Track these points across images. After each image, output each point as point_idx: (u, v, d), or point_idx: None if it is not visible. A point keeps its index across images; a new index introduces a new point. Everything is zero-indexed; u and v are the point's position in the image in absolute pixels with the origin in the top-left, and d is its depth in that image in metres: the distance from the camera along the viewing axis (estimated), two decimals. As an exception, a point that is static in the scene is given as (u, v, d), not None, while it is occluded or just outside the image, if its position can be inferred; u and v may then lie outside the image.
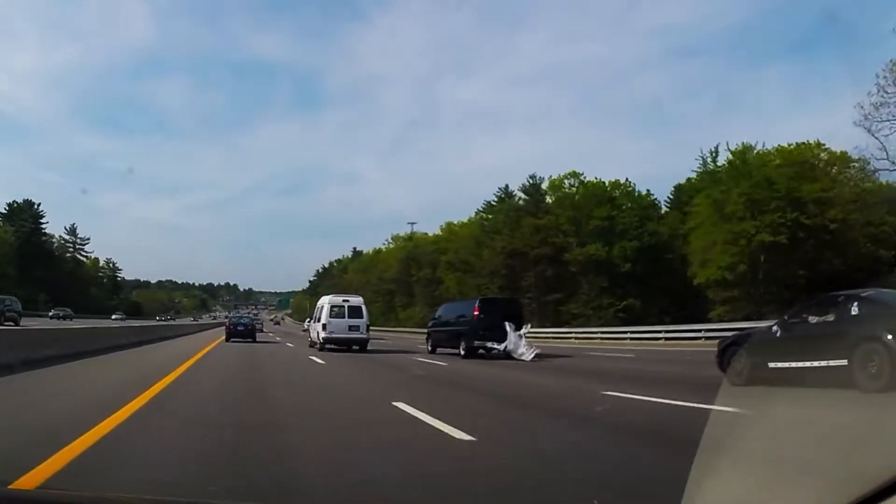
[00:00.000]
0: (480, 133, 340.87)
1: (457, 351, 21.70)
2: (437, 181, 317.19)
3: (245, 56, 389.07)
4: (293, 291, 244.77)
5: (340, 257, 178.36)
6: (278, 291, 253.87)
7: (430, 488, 4.42)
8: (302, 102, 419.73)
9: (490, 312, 21.35)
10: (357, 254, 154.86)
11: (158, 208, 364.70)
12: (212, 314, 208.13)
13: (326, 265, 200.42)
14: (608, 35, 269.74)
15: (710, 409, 6.74)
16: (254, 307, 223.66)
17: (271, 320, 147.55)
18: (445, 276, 79.00)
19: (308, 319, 43.23)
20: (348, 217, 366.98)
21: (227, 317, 57.97)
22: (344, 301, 25.40)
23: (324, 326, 23.94)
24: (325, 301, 25.58)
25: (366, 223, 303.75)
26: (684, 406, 8.30)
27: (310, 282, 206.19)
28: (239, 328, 33.24)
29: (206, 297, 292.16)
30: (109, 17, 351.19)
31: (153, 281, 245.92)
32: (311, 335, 27.86)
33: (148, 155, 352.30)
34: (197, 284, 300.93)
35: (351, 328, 24.04)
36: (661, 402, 8.79)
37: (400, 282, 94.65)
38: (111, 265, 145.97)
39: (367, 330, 24.87)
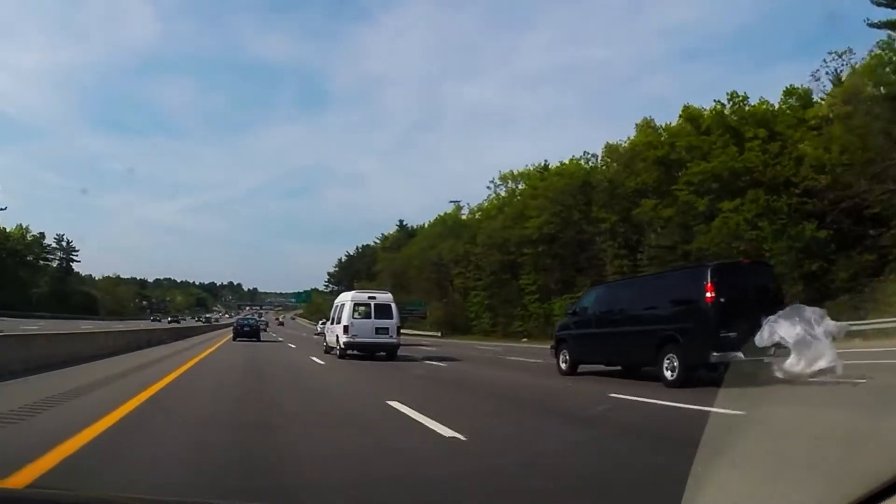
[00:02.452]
0: (485, 135, 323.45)
1: (635, 372, 13.07)
2: (442, 183, 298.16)
3: (249, 57, 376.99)
4: (297, 292, 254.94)
5: (373, 241, 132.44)
6: (283, 292, 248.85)
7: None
8: (306, 104, 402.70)
9: (734, 291, 11.09)
10: (402, 228, 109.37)
11: (160, 209, 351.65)
12: (211, 315, 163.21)
13: (352, 252, 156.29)
14: (612, 37, 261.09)
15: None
16: (259, 307, 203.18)
17: (276, 320, 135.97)
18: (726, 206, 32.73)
19: (322, 321, 40.07)
20: (353, 219, 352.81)
21: (206, 318, 73.97)
22: (370, 298, 20.23)
23: (345, 329, 19.07)
24: (347, 298, 20.49)
25: (371, 225, 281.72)
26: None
27: (329, 275, 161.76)
28: (245, 329, 37.28)
29: (206, 295, 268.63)
30: (113, 17, 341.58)
31: (150, 279, 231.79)
32: (327, 339, 22.48)
33: (151, 156, 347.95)
34: (197, 283, 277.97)
35: (378, 331, 19.11)
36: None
37: (557, 242, 48.16)
38: (64, 244, 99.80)
39: (398, 333, 19.73)
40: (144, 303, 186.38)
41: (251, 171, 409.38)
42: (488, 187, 64.13)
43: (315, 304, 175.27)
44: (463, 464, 4.86)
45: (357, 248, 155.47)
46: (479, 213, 64.39)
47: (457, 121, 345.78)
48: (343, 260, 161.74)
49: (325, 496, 4.04)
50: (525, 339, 50.00)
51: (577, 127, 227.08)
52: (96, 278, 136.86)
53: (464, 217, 69.25)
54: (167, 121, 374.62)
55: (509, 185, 61.75)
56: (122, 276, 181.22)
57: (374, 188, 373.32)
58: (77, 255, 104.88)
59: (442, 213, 70.13)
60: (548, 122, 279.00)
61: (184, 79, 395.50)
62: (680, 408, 8.08)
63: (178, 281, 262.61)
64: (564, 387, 11.66)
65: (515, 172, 60.45)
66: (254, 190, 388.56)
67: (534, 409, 8.92)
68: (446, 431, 5.94)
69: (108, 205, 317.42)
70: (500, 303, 55.81)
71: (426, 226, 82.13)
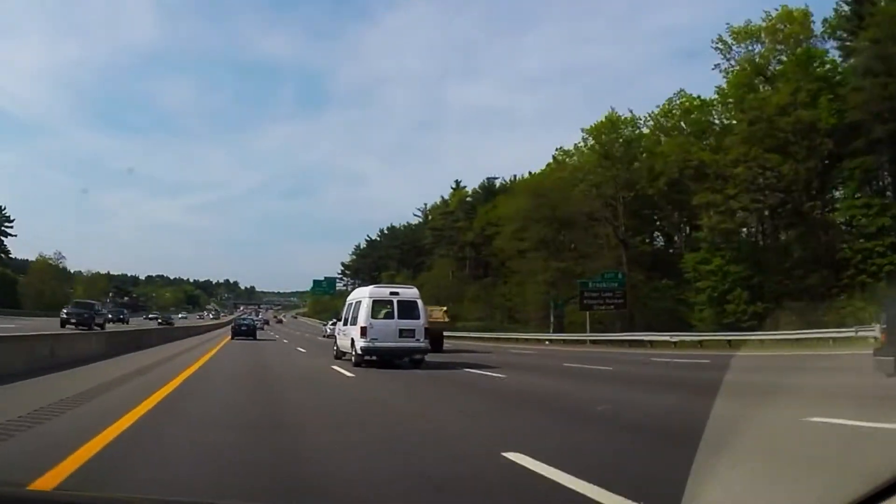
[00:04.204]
0: (486, 134, 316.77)
1: None
2: (442, 183, 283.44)
3: (251, 56, 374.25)
4: (296, 292, 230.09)
5: (414, 215, 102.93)
6: (282, 291, 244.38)
7: None
8: (307, 102, 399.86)
9: None
10: (457, 190, 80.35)
11: (160, 207, 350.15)
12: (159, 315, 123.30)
13: (376, 235, 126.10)
14: (614, 37, 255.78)
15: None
16: (256, 306, 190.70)
17: (275, 318, 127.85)
18: None
19: (332, 321, 34.57)
20: (353, 219, 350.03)
21: (119, 314, 52.56)
22: (392, 294, 16.47)
23: (362, 331, 15.55)
24: (364, 294, 16.81)
25: (371, 224, 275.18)
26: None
27: (344, 266, 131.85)
28: (243, 328, 37.23)
29: (200, 293, 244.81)
30: (115, 15, 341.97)
31: (142, 276, 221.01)
32: (339, 343, 18.71)
33: (152, 154, 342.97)
34: (191, 280, 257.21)
35: (403, 333, 15.74)
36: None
37: None
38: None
39: (426, 336, 16.05)
40: (126, 298, 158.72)
41: (251, 170, 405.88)
42: (716, 47, 34.12)
43: (322, 302, 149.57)
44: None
45: (381, 230, 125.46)
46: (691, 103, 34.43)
47: (458, 120, 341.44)
48: (362, 247, 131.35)
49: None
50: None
51: (578, 127, 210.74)
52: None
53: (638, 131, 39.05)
54: (169, 119, 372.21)
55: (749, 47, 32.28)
56: (112, 273, 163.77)
57: (374, 187, 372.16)
58: (11, 228, 74.86)
59: (597, 122, 39.69)
60: (549, 121, 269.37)
61: (186, 77, 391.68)
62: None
63: (172, 278, 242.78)
64: None
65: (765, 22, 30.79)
66: (254, 188, 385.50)
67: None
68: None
69: (107, 203, 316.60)
70: (770, 272, 26.36)
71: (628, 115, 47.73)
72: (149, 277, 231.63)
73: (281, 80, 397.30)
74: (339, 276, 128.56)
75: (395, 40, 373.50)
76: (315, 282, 76.90)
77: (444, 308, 27.02)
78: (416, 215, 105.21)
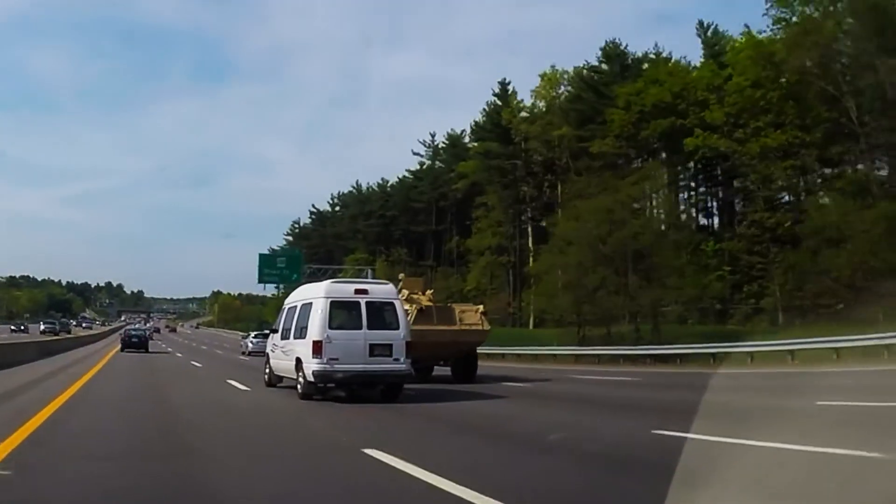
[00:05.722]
0: (417, 111, 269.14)
1: None
2: (364, 168, 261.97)
3: (136, 19, 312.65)
4: (192, 298, 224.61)
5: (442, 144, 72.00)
6: (176, 298, 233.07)
7: None
8: (205, 76, 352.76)
9: None
10: (546, 77, 50.67)
11: (30, 196, 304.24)
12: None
13: (326, 204, 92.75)
14: None
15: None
16: (146, 314, 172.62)
17: (167, 328, 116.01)
18: None
19: (253, 334, 33.77)
20: (261, 213, 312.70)
21: None
22: (358, 293, 11.59)
23: (316, 347, 10.96)
24: (317, 293, 11.78)
25: (282, 218, 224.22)
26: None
27: (275, 251, 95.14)
28: (133, 339, 34.60)
29: (73, 297, 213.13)
30: None
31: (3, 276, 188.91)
32: (274, 364, 13.86)
33: (21, 135, 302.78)
34: (64, 282, 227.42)
35: (375, 351, 11.11)
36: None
37: None
38: None
39: (407, 354, 11.26)
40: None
41: (140, 155, 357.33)
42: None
43: (232, 308, 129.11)
44: None
45: (334, 197, 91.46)
46: None
47: (384, 95, 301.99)
48: (305, 224, 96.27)
49: None
50: None
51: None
52: None
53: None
54: (37, 93, 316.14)
55: None
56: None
57: (284, 175, 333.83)
58: None
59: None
60: (489, 95, 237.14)
61: (58, 44, 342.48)
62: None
63: (40, 279, 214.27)
64: None
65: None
66: (142, 177, 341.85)
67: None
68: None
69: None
70: None
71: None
72: (11, 279, 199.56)
73: (173, 50, 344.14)
74: (287, 247, 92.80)
75: (309, 2, 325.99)
76: (262, 258, 40.93)
77: (479, 308, 17.62)
78: (417, 154, 72.89)
